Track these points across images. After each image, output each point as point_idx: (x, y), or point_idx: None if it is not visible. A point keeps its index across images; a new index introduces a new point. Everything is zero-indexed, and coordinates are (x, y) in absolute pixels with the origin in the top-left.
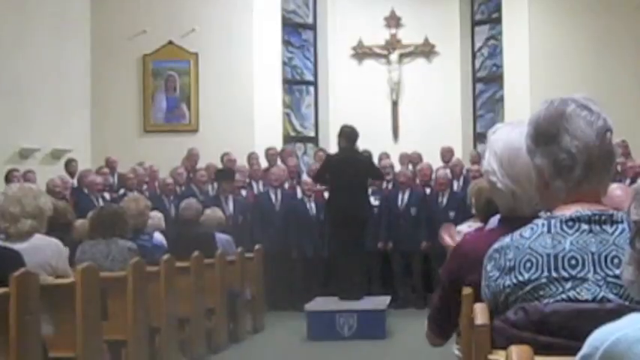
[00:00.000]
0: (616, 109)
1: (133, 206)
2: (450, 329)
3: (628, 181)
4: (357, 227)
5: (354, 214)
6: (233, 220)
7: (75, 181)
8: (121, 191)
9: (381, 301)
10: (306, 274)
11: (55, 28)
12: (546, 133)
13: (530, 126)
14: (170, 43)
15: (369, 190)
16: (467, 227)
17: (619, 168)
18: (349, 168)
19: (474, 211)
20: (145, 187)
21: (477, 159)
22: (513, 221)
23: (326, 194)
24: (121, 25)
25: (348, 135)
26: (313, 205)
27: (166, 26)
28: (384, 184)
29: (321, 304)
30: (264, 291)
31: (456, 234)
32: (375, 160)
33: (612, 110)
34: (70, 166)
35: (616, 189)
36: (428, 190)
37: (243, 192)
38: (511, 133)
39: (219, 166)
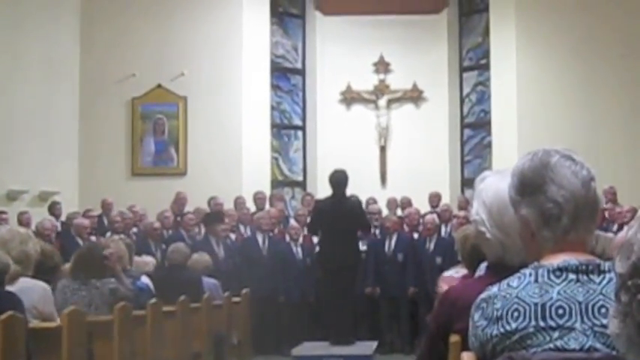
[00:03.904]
0: (604, 155)
1: (113, 247)
2: None
3: (615, 227)
4: (348, 273)
5: (344, 260)
6: (225, 264)
7: (59, 225)
8: (108, 234)
9: (368, 347)
10: (293, 318)
11: (45, 70)
12: (532, 183)
13: (515, 177)
14: (159, 86)
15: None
16: (454, 273)
17: (607, 214)
18: (338, 214)
19: (460, 257)
20: (133, 230)
21: (465, 205)
22: (501, 270)
23: (315, 239)
24: (111, 68)
25: (338, 180)
26: (300, 249)
27: (155, 70)
28: (372, 230)
29: (307, 348)
30: (251, 335)
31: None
32: (362, 205)
33: (600, 156)
34: (54, 209)
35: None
36: (416, 236)
37: (232, 236)
38: (500, 182)
39: (207, 209)
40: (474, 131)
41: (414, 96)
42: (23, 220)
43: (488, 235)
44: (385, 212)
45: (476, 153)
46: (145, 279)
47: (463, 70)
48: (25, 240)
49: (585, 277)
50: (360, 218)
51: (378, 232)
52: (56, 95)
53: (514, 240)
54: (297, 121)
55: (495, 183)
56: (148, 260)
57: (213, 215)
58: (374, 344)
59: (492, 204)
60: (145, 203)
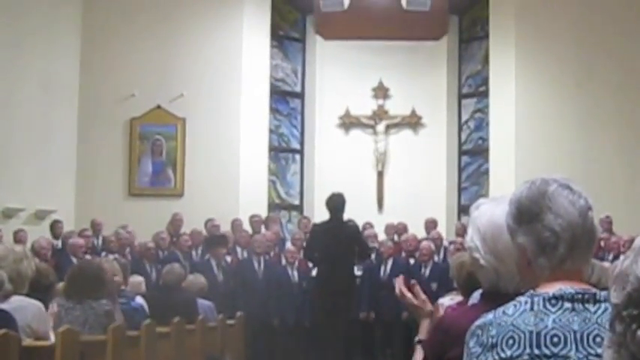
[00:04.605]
0: (601, 185)
1: (106, 267)
2: None
3: (611, 256)
4: (342, 297)
5: (340, 285)
6: (224, 286)
7: (59, 243)
8: (103, 254)
9: None
10: (288, 342)
11: (44, 89)
12: (529, 211)
13: (512, 205)
14: (158, 107)
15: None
16: (449, 300)
17: (602, 244)
18: (335, 238)
19: (455, 284)
20: (127, 250)
21: (462, 231)
22: (496, 297)
23: (310, 264)
24: (110, 88)
25: (336, 204)
26: (296, 273)
27: (155, 90)
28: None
29: None
30: (245, 358)
31: (419, 290)
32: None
33: (598, 185)
34: (55, 228)
35: None
36: (412, 261)
37: (228, 258)
38: (495, 209)
39: (204, 231)
40: (471, 158)
41: (413, 122)
42: (18, 238)
43: (482, 261)
44: (382, 237)
45: (473, 180)
46: (139, 299)
47: (462, 96)
48: (20, 258)
49: (581, 306)
50: (361, 245)
51: (373, 257)
52: (55, 114)
53: (508, 267)
54: (295, 145)
55: (490, 210)
56: (140, 280)
57: (218, 238)
58: None
59: (487, 231)
60: (141, 224)
